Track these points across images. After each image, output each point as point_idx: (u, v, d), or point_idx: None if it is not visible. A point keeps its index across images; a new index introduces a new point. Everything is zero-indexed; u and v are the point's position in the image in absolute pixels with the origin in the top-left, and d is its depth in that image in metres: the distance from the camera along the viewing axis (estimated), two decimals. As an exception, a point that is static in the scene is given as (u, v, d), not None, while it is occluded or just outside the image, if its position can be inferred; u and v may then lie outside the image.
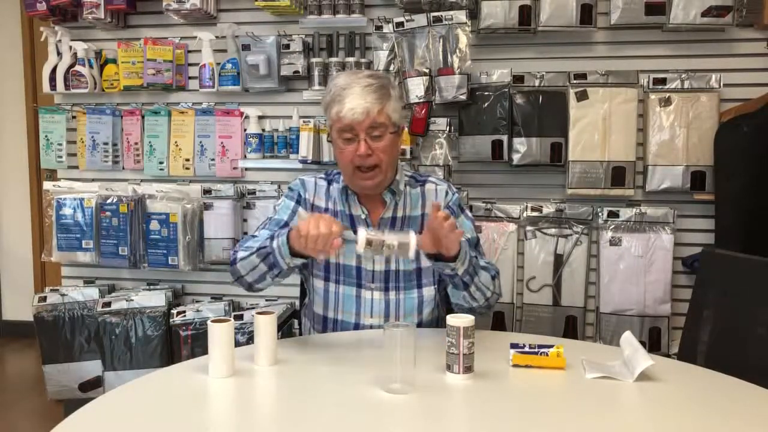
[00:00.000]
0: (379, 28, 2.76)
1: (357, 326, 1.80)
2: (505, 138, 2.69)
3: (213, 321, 1.43)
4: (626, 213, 2.66)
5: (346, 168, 1.77)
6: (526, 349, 1.50)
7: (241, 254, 1.72)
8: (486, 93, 2.70)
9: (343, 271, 1.81)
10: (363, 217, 1.81)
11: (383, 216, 1.81)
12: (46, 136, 3.12)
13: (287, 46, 2.83)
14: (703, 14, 2.53)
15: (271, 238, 1.65)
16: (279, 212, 1.86)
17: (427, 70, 2.69)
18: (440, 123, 2.72)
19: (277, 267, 1.65)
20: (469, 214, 1.91)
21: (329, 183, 1.88)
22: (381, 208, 1.82)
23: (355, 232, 1.79)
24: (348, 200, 1.82)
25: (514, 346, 1.51)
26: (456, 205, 1.87)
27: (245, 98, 2.97)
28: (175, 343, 2.84)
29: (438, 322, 1.86)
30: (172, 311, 2.85)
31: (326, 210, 1.84)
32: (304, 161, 2.80)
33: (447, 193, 1.87)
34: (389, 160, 1.75)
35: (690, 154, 2.61)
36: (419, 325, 1.80)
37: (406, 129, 2.68)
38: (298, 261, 1.63)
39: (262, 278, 1.71)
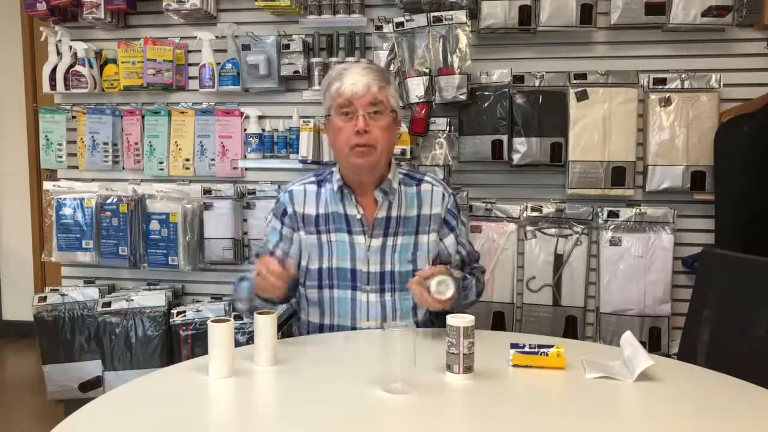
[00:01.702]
0: (379, 28, 2.76)
1: (353, 330, 1.80)
2: (505, 138, 2.69)
3: (213, 321, 1.43)
4: (626, 213, 2.66)
5: (342, 148, 1.75)
6: (526, 349, 1.50)
7: (236, 304, 1.93)
8: (486, 93, 2.70)
9: (337, 275, 1.80)
10: (358, 217, 1.80)
11: (377, 216, 1.80)
12: (46, 136, 3.12)
13: (287, 46, 2.83)
14: (703, 14, 2.53)
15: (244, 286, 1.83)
16: (269, 236, 1.88)
17: (427, 70, 2.69)
18: (440, 123, 2.72)
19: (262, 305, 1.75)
20: (463, 219, 1.92)
21: (320, 185, 1.86)
22: (374, 207, 1.81)
23: (350, 232, 1.79)
24: (343, 200, 1.81)
25: (514, 346, 1.51)
26: (454, 208, 1.87)
27: (245, 98, 2.97)
28: (175, 343, 2.84)
29: (433, 325, 1.85)
30: (172, 311, 2.85)
31: (317, 216, 1.83)
32: (304, 161, 2.80)
33: (444, 196, 1.86)
34: (384, 144, 1.75)
35: (690, 154, 2.61)
36: (415, 326, 1.80)
37: (406, 129, 2.68)
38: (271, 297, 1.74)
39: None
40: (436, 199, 1.85)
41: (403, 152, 2.70)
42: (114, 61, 3.02)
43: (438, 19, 2.66)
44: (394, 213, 1.81)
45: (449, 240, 1.86)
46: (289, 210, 1.85)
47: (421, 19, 2.68)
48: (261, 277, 1.62)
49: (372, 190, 1.80)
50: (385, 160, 1.80)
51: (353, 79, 1.71)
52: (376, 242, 1.79)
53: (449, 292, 1.58)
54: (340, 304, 1.80)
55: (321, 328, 1.83)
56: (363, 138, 1.71)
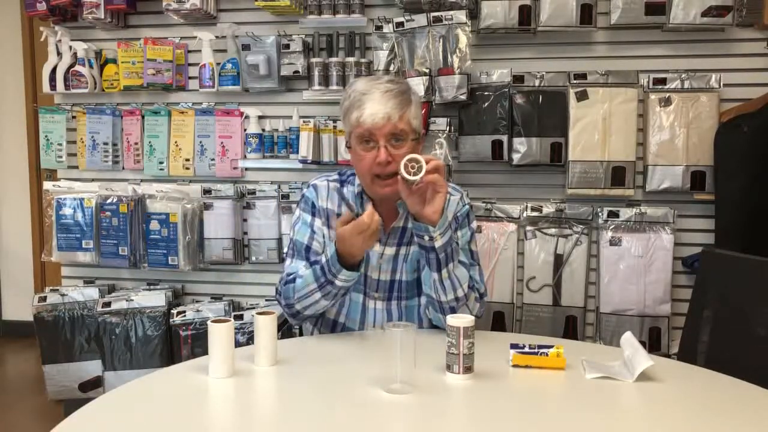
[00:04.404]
0: (379, 28, 2.76)
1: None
2: (505, 138, 2.69)
3: (213, 321, 1.43)
4: (626, 213, 2.66)
5: (364, 175, 1.74)
6: (526, 349, 1.50)
7: (299, 305, 1.72)
8: (486, 93, 2.70)
9: None
10: None
11: (395, 225, 1.79)
12: (46, 136, 3.12)
13: (287, 46, 2.83)
14: (703, 14, 2.53)
15: (322, 271, 1.66)
16: (298, 233, 1.81)
17: (427, 70, 2.69)
18: (440, 123, 2.72)
19: (334, 287, 1.67)
20: (473, 227, 1.86)
21: (342, 184, 1.85)
22: (393, 217, 1.79)
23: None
24: (363, 205, 1.80)
25: (514, 346, 1.51)
26: (463, 216, 1.83)
27: (245, 98, 2.97)
28: (175, 343, 2.84)
29: None
30: (172, 311, 2.85)
31: (338, 215, 1.81)
32: (304, 161, 2.81)
33: (458, 203, 1.83)
34: None
35: (690, 154, 2.61)
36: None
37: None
38: (351, 275, 1.65)
39: (315, 305, 1.73)
40: (451, 207, 1.80)
41: (403, 152, 2.70)
42: (114, 61, 3.02)
43: (438, 19, 2.66)
44: (410, 224, 1.77)
45: None
46: (317, 204, 1.83)
47: (421, 19, 2.68)
48: (359, 228, 1.58)
49: (396, 200, 1.78)
50: None
51: (373, 108, 1.66)
52: (390, 251, 1.79)
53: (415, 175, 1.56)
54: (350, 307, 1.80)
55: (334, 325, 1.83)
56: (386, 169, 1.68)
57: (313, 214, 1.82)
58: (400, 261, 1.79)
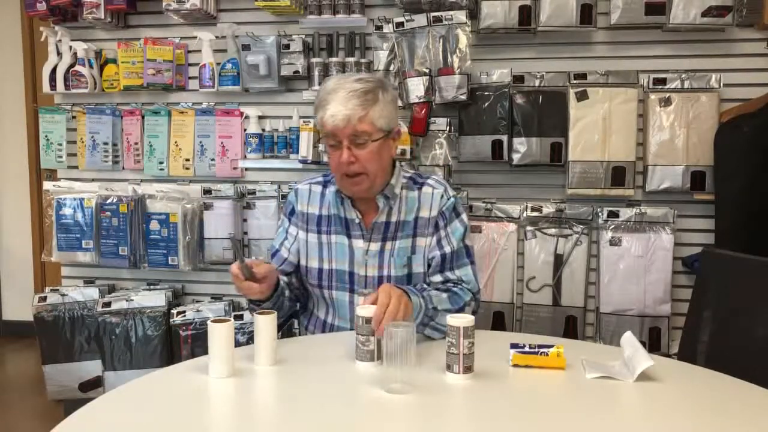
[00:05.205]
0: (379, 28, 2.76)
1: (353, 331, 1.80)
2: (505, 138, 2.69)
3: (213, 321, 1.43)
4: (626, 213, 2.66)
5: (334, 173, 1.77)
6: (526, 349, 1.50)
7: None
8: (486, 93, 2.70)
9: (335, 276, 1.81)
10: (357, 221, 1.79)
11: (376, 221, 1.79)
12: (46, 136, 3.12)
13: (287, 46, 2.83)
14: (703, 14, 2.53)
15: None
16: (276, 237, 1.92)
17: (427, 70, 2.69)
18: (440, 123, 2.72)
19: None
20: (465, 220, 1.83)
21: (325, 185, 1.86)
22: (375, 212, 1.79)
23: (349, 236, 1.79)
24: (342, 203, 1.81)
25: (514, 346, 1.51)
26: (450, 210, 1.80)
27: (245, 98, 2.97)
28: (175, 343, 2.84)
29: None
30: (172, 311, 2.85)
31: (319, 216, 1.84)
32: (304, 161, 2.81)
33: (442, 197, 1.80)
34: (375, 168, 1.72)
35: (690, 154, 2.61)
36: None
37: (406, 129, 2.67)
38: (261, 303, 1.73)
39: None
40: (435, 202, 1.80)
41: (403, 152, 2.70)
42: (114, 61, 3.02)
43: (438, 19, 2.65)
44: (393, 218, 1.79)
45: (430, 240, 1.79)
46: (296, 208, 1.87)
47: (421, 19, 2.68)
48: (238, 284, 1.65)
49: (369, 197, 1.79)
50: (380, 180, 1.76)
51: (333, 109, 1.66)
52: (375, 246, 1.79)
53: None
54: (339, 306, 1.81)
55: (324, 325, 1.84)
56: (351, 168, 1.70)
57: (290, 221, 1.88)
58: (386, 256, 1.78)
